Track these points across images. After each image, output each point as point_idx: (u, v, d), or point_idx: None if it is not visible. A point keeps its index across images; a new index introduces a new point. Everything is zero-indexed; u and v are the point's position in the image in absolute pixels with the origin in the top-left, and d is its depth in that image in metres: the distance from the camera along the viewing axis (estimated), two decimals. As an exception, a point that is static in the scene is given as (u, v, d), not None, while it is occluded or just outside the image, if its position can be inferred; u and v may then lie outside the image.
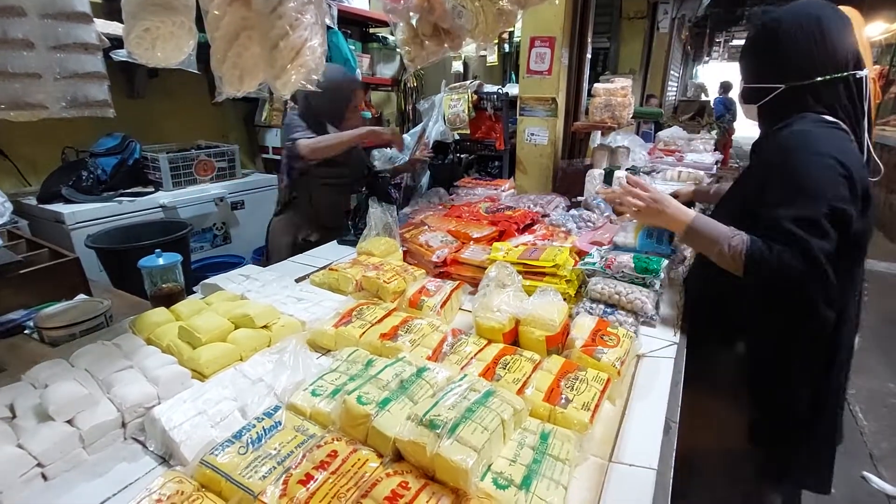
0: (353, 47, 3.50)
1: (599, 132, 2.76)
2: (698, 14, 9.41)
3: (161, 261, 1.38)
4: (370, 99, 4.20)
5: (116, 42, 0.98)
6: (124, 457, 0.87)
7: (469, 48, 1.77)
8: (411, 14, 1.62)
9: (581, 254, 1.58)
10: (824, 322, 1.10)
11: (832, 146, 1.05)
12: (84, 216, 2.37)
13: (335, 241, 2.06)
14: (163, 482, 0.73)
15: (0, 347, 1.27)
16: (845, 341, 1.21)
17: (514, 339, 1.18)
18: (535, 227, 1.88)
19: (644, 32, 7.32)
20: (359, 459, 0.75)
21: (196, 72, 1.02)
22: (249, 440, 0.78)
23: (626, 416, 0.98)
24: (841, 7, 1.14)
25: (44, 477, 0.82)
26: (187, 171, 2.86)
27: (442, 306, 1.30)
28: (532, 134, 2.53)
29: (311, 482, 0.70)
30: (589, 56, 2.70)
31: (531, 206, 2.16)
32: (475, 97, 2.73)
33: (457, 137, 2.87)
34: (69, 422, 0.87)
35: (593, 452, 0.87)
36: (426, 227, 1.85)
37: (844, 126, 1.11)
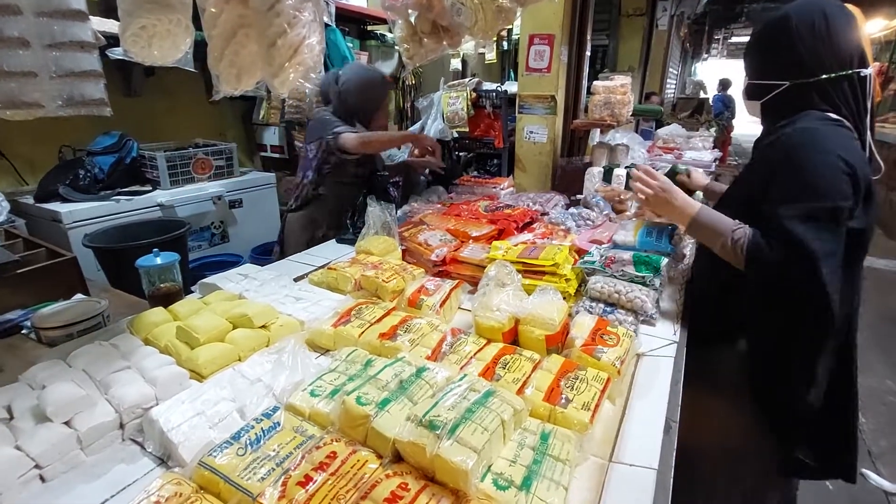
0: (351, 45, 3.48)
1: (598, 130, 2.75)
2: (697, 11, 9.39)
3: (159, 260, 1.38)
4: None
5: (113, 40, 0.97)
6: (122, 458, 0.87)
7: (468, 46, 1.77)
8: (410, 11, 1.62)
9: (580, 252, 1.58)
10: (827, 319, 1.10)
11: (837, 144, 1.05)
12: (81, 215, 2.36)
13: (334, 239, 2.05)
14: (161, 484, 0.72)
15: (-3, 348, 1.26)
16: (850, 338, 1.22)
17: (513, 338, 1.17)
18: (534, 226, 1.88)
19: (643, 30, 7.31)
20: (358, 460, 0.75)
21: (193, 70, 1.01)
22: (248, 441, 0.77)
23: (626, 415, 0.98)
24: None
25: (42, 478, 0.82)
26: (185, 170, 2.85)
27: (441, 305, 1.30)
28: (531, 132, 2.52)
29: (311, 483, 0.70)
30: (588, 53, 2.69)
31: (530, 204, 2.16)
32: (474, 95, 2.72)
33: (455, 135, 2.86)
34: (67, 423, 0.86)
35: (593, 452, 0.87)
36: (425, 225, 1.85)
37: (848, 124, 1.11)
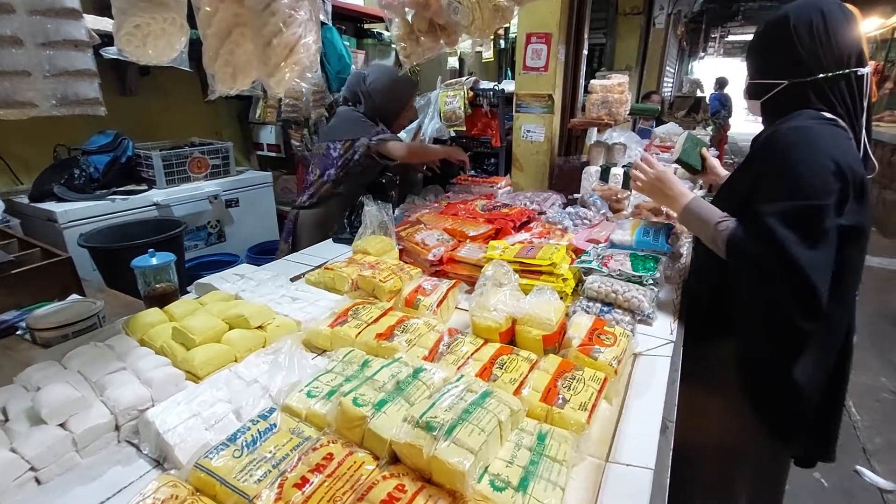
0: (347, 43, 3.47)
1: (596, 129, 2.75)
2: (694, 10, 9.40)
3: (154, 261, 1.37)
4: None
5: (108, 39, 0.96)
6: (118, 460, 0.87)
7: (465, 44, 1.76)
8: (406, 10, 1.61)
9: (578, 252, 1.58)
10: (814, 315, 1.09)
11: (828, 143, 1.05)
12: (76, 215, 2.35)
13: (331, 238, 2.05)
14: (157, 486, 0.72)
15: (-8, 349, 1.25)
16: (849, 337, 1.22)
17: (510, 338, 1.17)
18: (531, 225, 1.88)
19: (640, 28, 7.30)
20: (355, 462, 0.75)
21: (188, 69, 1.00)
22: (244, 443, 0.77)
23: (622, 415, 0.98)
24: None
25: (37, 481, 0.81)
26: (181, 169, 2.83)
27: (438, 305, 1.30)
28: (528, 131, 2.52)
29: (307, 485, 0.70)
30: (585, 52, 2.69)
31: (527, 203, 2.16)
32: (471, 94, 2.72)
33: (453, 134, 2.85)
34: (62, 425, 0.86)
35: (590, 453, 0.87)
36: (422, 225, 1.84)
37: (843, 123, 1.11)
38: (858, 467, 2.27)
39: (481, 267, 1.45)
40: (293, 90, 0.93)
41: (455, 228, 1.78)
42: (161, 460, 0.85)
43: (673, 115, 5.39)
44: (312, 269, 1.66)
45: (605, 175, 2.27)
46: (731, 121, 9.04)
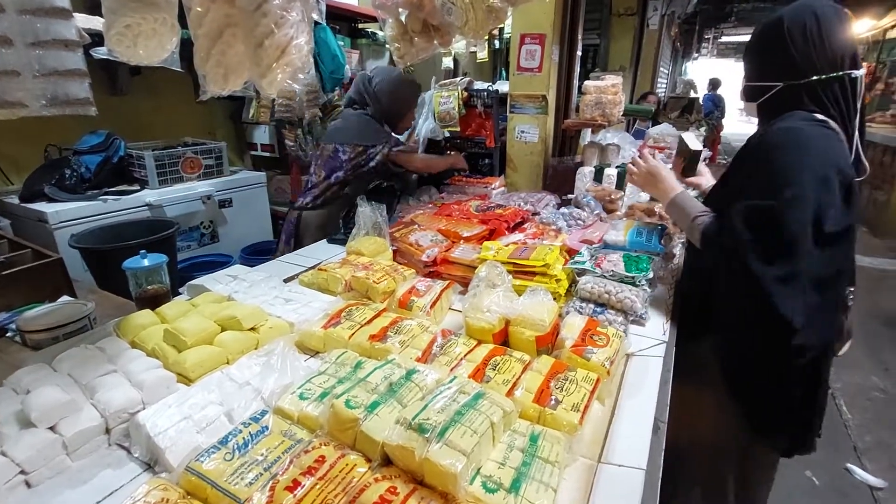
0: (341, 43, 3.46)
1: (590, 130, 2.76)
2: (687, 11, 9.44)
3: (146, 262, 1.36)
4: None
5: (99, 38, 0.96)
6: (109, 463, 0.86)
7: (459, 44, 1.76)
8: (400, 10, 1.61)
9: (571, 252, 1.59)
10: (774, 317, 1.10)
11: (817, 144, 1.06)
12: (68, 215, 2.33)
13: (325, 239, 2.04)
14: (147, 489, 0.72)
15: (-19, 351, 1.24)
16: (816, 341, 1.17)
17: (503, 339, 1.17)
18: (525, 226, 1.88)
19: (634, 29, 7.33)
20: (346, 465, 0.74)
21: (179, 70, 1.00)
22: (235, 446, 0.77)
23: (615, 415, 0.98)
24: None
25: (27, 484, 0.81)
26: (174, 169, 2.82)
27: (432, 306, 1.30)
28: (522, 131, 2.52)
29: (299, 488, 0.70)
30: (579, 53, 2.69)
31: (521, 204, 2.16)
32: (465, 94, 2.71)
33: (447, 135, 2.85)
34: (52, 428, 0.85)
35: (582, 453, 0.87)
36: (416, 225, 1.84)
37: (834, 125, 1.12)
38: (849, 465, 2.29)
39: (475, 268, 1.45)
40: (287, 90, 0.93)
41: (449, 229, 1.78)
42: (152, 463, 0.85)
43: (666, 116, 5.40)
44: (306, 270, 1.65)
45: (598, 176, 2.28)
46: (724, 121, 9.10)
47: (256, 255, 3.04)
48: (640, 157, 1.51)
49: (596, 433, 0.93)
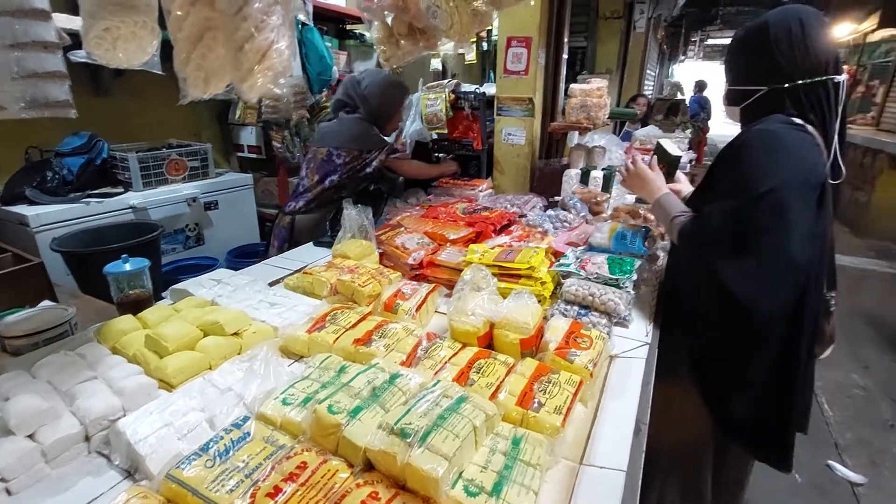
0: (329, 44, 3.45)
1: (577, 132, 2.78)
2: (674, 14, 9.55)
3: (127, 266, 1.34)
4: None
5: (79, 39, 0.94)
6: (89, 471, 0.85)
7: (447, 46, 1.77)
8: (386, 13, 1.61)
9: (557, 254, 1.60)
10: (739, 318, 1.12)
11: (791, 147, 1.08)
12: (49, 218, 2.29)
13: (311, 242, 2.03)
14: (127, 497, 0.71)
15: (-42, 358, 1.22)
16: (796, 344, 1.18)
17: (488, 342, 1.18)
18: (511, 228, 1.89)
19: (620, 32, 7.40)
20: (328, 470, 0.74)
21: (160, 73, 0.99)
22: (216, 453, 0.76)
23: (597, 417, 0.99)
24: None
25: (7, 492, 0.80)
26: (158, 171, 2.79)
27: (417, 310, 1.30)
28: (509, 134, 2.53)
29: (280, 495, 0.69)
30: (566, 56, 2.71)
31: (508, 206, 2.17)
32: (452, 96, 2.72)
33: (434, 137, 2.85)
34: (31, 436, 0.84)
35: (565, 455, 0.88)
36: (403, 228, 1.84)
37: (811, 129, 1.14)
38: (830, 462, 2.33)
39: (461, 271, 1.45)
40: (271, 93, 0.93)
41: (436, 232, 1.78)
42: (132, 471, 0.84)
43: (653, 118, 5.46)
44: (291, 274, 1.64)
45: (585, 178, 2.30)
46: (710, 123, 9.20)
47: (242, 257, 3.01)
48: (630, 160, 1.55)
49: (578, 435, 0.94)
